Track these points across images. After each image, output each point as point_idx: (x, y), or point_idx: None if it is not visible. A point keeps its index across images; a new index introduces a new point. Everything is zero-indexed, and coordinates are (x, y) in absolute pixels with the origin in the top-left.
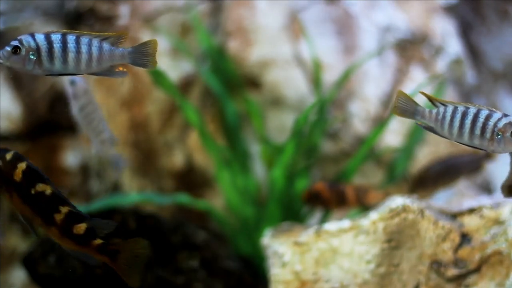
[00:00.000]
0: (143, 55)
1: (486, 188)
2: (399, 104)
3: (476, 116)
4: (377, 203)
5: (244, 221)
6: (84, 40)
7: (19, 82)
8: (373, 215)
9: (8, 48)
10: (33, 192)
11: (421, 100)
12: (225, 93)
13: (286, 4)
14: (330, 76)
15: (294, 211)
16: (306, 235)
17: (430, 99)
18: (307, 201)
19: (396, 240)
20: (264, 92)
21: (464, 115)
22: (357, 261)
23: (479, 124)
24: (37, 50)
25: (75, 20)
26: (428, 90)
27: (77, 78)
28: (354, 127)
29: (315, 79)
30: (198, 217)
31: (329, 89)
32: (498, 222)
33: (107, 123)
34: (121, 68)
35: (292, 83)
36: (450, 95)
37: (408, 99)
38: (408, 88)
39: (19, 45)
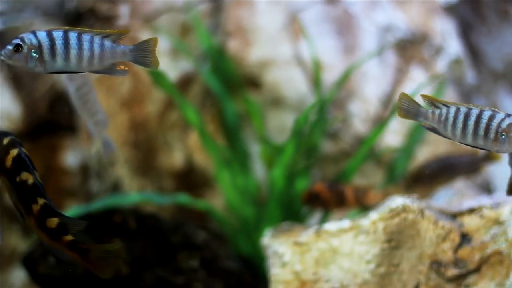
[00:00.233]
0: (144, 52)
1: (486, 188)
2: (403, 106)
3: (479, 116)
4: (376, 204)
5: (244, 221)
6: (86, 37)
7: (19, 82)
8: (373, 215)
9: (10, 46)
10: (18, 179)
11: (421, 100)
12: (225, 93)
13: (286, 4)
14: (330, 76)
15: (294, 211)
16: (306, 235)
17: (432, 100)
18: (307, 202)
19: (396, 240)
20: (264, 92)
21: (467, 116)
22: (357, 261)
23: (483, 124)
24: (39, 47)
25: (75, 20)
26: (428, 90)
27: None
28: (354, 127)
29: (315, 79)
30: (198, 217)
31: (329, 89)
32: (498, 222)
33: (101, 105)
34: (122, 67)
35: (292, 83)
36: (450, 95)
37: (411, 101)
38: (408, 88)
39: (21, 43)
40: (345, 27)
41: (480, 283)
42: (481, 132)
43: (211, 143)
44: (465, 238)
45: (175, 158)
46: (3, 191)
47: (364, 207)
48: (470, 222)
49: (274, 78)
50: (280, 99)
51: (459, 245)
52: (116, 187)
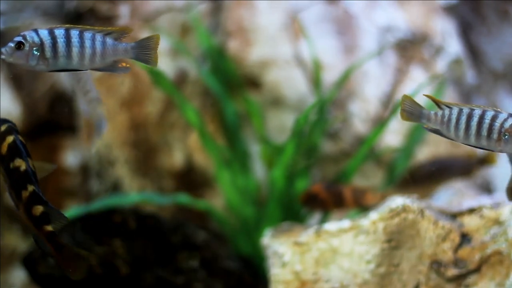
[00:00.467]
0: (146, 49)
1: (486, 188)
2: (406, 108)
3: (481, 117)
4: (374, 204)
5: (244, 221)
6: (87, 35)
7: (19, 82)
8: (373, 215)
9: (12, 44)
10: (11, 166)
11: (421, 100)
12: (225, 93)
13: (286, 4)
14: (330, 76)
15: (294, 211)
16: (306, 235)
17: (435, 101)
18: (305, 203)
19: (396, 240)
20: (264, 92)
21: (470, 116)
22: (357, 261)
23: (485, 125)
24: (41, 45)
25: (75, 20)
26: (428, 90)
27: None
28: (354, 127)
29: (315, 79)
30: (198, 217)
31: (329, 89)
32: (498, 222)
33: (94, 84)
34: (124, 64)
35: (292, 83)
36: (450, 95)
37: (414, 103)
38: (408, 88)
39: (22, 40)
40: (345, 27)
41: (480, 283)
42: (484, 132)
43: (211, 143)
44: (465, 238)
45: (175, 158)
46: (3, 191)
47: (363, 208)
48: (470, 222)
49: (274, 78)
50: (280, 99)
51: (459, 245)
52: (116, 187)
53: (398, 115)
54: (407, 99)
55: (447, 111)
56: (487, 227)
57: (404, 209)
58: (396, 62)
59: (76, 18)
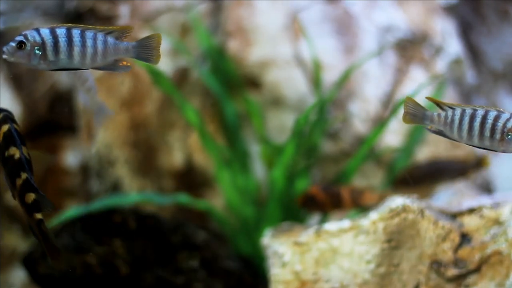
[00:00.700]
0: (147, 48)
1: (486, 188)
2: (409, 110)
3: (484, 117)
4: (373, 205)
5: (244, 221)
6: (89, 34)
7: (19, 82)
8: (373, 215)
9: (13, 43)
10: (6, 154)
11: (421, 101)
12: (225, 93)
13: (286, 4)
14: (330, 76)
15: (294, 211)
16: (306, 235)
17: (437, 103)
18: (303, 206)
19: (396, 240)
20: (264, 92)
21: (473, 117)
22: (357, 261)
23: (488, 125)
24: (42, 44)
25: (75, 20)
26: (428, 90)
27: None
28: (354, 127)
29: (315, 79)
30: (198, 217)
31: (329, 89)
32: (498, 222)
33: (91, 72)
34: (124, 63)
35: (292, 83)
36: (450, 95)
37: (417, 105)
38: (408, 88)
39: (24, 40)
40: (345, 27)
41: (480, 283)
42: (487, 133)
43: (211, 143)
44: (465, 238)
45: (175, 158)
46: (3, 191)
47: (361, 208)
48: (470, 222)
49: (274, 78)
50: (280, 99)
51: (459, 245)
52: (116, 187)
53: (398, 115)
54: (410, 101)
55: (450, 112)
56: (487, 227)
57: (404, 209)
58: (396, 62)
59: (76, 18)
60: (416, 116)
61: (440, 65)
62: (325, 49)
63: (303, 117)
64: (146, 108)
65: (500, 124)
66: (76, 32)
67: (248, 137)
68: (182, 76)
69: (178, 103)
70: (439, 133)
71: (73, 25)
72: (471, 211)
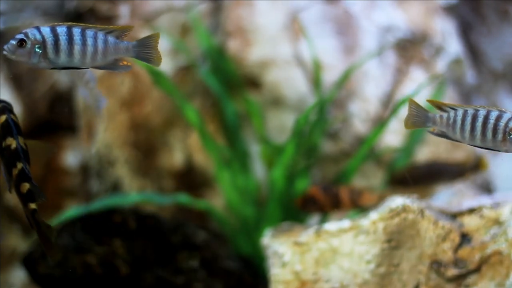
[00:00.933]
0: (147, 48)
1: (486, 188)
2: (412, 113)
3: (486, 118)
4: (371, 205)
5: (244, 221)
6: (89, 33)
7: (19, 82)
8: (373, 215)
9: (14, 41)
10: (3, 145)
11: (420, 100)
12: (225, 93)
13: (286, 4)
14: (330, 76)
15: (294, 211)
16: (306, 235)
17: (439, 104)
18: (302, 207)
19: (396, 240)
20: (264, 92)
21: (475, 117)
22: (357, 261)
23: (490, 125)
24: (43, 43)
25: (75, 20)
26: (428, 90)
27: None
28: (354, 127)
29: (315, 79)
30: (198, 217)
31: (329, 89)
32: (498, 222)
33: None
34: (125, 62)
35: (292, 83)
36: (450, 95)
37: (419, 108)
38: (408, 88)
39: (24, 38)
40: (345, 27)
41: (480, 283)
42: (489, 133)
43: (211, 143)
44: (465, 238)
45: (175, 158)
46: (3, 191)
47: (360, 209)
48: (470, 222)
49: (274, 78)
50: (280, 99)
51: (459, 245)
52: (116, 187)
53: (398, 115)
54: (413, 104)
55: (452, 113)
56: (487, 227)
57: (404, 209)
58: (396, 62)
59: (76, 18)
60: (419, 118)
61: (440, 65)
62: (325, 49)
63: (303, 117)
64: (146, 108)
65: (502, 124)
66: (76, 31)
67: (248, 137)
68: (182, 76)
69: (178, 103)
70: (442, 135)
71: (74, 23)
72: (471, 211)
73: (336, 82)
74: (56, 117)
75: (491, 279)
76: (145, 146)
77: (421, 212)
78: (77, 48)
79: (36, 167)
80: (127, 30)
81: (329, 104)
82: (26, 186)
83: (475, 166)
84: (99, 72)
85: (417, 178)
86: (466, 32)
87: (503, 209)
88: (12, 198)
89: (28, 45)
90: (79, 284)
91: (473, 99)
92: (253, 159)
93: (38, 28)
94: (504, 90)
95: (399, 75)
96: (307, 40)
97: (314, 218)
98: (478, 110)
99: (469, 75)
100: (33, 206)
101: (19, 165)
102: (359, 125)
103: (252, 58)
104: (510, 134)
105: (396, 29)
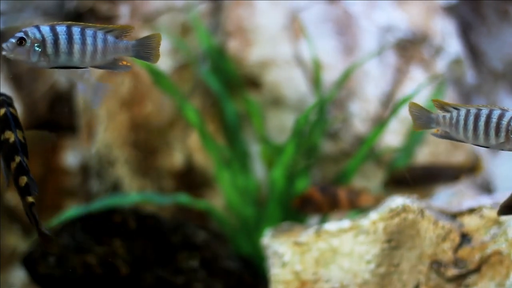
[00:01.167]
0: (146, 48)
1: (486, 188)
2: (414, 115)
3: (489, 117)
4: (369, 206)
5: (244, 221)
6: (89, 32)
7: (19, 82)
8: (373, 215)
9: (13, 40)
10: (2, 138)
11: (420, 101)
12: (225, 93)
13: (286, 4)
14: (330, 76)
15: (294, 211)
16: (306, 235)
17: (442, 104)
18: (300, 208)
19: (396, 240)
20: (264, 92)
21: (477, 117)
22: (357, 261)
23: (493, 124)
24: (43, 41)
25: (75, 20)
26: (428, 90)
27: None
28: (354, 127)
29: (315, 79)
30: (198, 217)
31: (329, 89)
32: (498, 222)
33: None
34: (124, 62)
35: (292, 83)
36: (450, 95)
37: (421, 109)
38: (408, 88)
39: (24, 36)
40: (345, 27)
41: (480, 283)
42: (492, 132)
43: (211, 143)
44: (465, 238)
45: (175, 158)
46: (3, 191)
47: (357, 210)
48: (470, 222)
49: (274, 78)
50: (280, 99)
51: (459, 245)
52: (116, 187)
53: (398, 115)
54: (415, 106)
55: (454, 113)
56: (487, 227)
57: (404, 209)
58: (396, 62)
59: (76, 18)
60: (422, 120)
61: (440, 65)
62: (325, 49)
63: (303, 117)
64: (146, 108)
65: (504, 122)
66: (76, 30)
67: (248, 137)
68: (182, 76)
69: (178, 103)
70: (445, 136)
71: (74, 23)
72: (471, 211)
73: (336, 82)
74: (56, 117)
75: (491, 279)
76: (145, 146)
77: (421, 212)
78: (76, 47)
79: (36, 167)
80: (127, 30)
81: (329, 104)
82: (24, 179)
83: (471, 169)
84: (99, 72)
85: (413, 179)
86: (466, 32)
87: None
88: (12, 198)
89: (28, 43)
90: (79, 284)
91: (473, 99)
92: (253, 159)
93: (37, 27)
94: (504, 90)
95: (399, 75)
96: (307, 40)
97: (314, 218)
98: (481, 109)
99: (469, 75)
100: (30, 199)
101: (17, 159)
102: (359, 125)
103: (252, 58)
104: None
105: (396, 29)
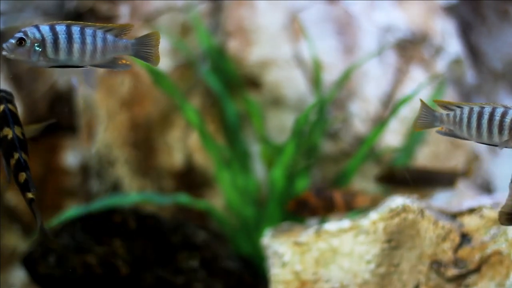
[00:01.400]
0: (146, 46)
1: (486, 188)
2: (422, 114)
3: (492, 114)
4: (365, 207)
5: (244, 221)
6: (88, 31)
7: (19, 82)
8: (373, 215)
9: (13, 40)
10: (1, 135)
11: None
12: (225, 93)
13: (286, 4)
14: (330, 76)
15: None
16: (306, 235)
17: (445, 104)
18: (295, 211)
19: (396, 240)
20: (264, 92)
21: (480, 114)
22: (357, 261)
23: (496, 122)
24: (42, 41)
25: (75, 20)
26: (428, 90)
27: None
28: (354, 127)
29: (315, 79)
30: (198, 217)
31: (329, 89)
32: (498, 222)
33: None
34: (124, 61)
35: (292, 83)
36: (450, 95)
37: (428, 108)
38: (408, 88)
39: (24, 36)
40: (345, 27)
41: (480, 283)
42: (495, 129)
43: (211, 143)
44: (465, 238)
45: (175, 158)
46: (3, 191)
47: (354, 212)
48: (470, 222)
49: (274, 78)
50: (280, 99)
51: (459, 245)
52: (116, 187)
53: (398, 115)
54: (423, 105)
55: (458, 111)
56: (487, 227)
57: (404, 209)
58: (396, 62)
59: (76, 18)
60: (427, 119)
61: (440, 65)
62: (325, 49)
63: (303, 117)
64: (146, 108)
65: (507, 120)
66: (75, 29)
67: (248, 137)
68: (182, 75)
69: (178, 103)
70: (450, 134)
71: (73, 22)
72: (471, 211)
73: (336, 82)
74: (56, 117)
75: (491, 279)
76: (145, 146)
77: (421, 212)
78: (76, 46)
79: (36, 167)
80: (126, 29)
81: (329, 104)
82: (23, 176)
83: (463, 173)
84: (99, 72)
85: (406, 180)
86: (466, 32)
87: None
88: (12, 198)
89: (28, 43)
90: (79, 284)
91: (473, 99)
92: (253, 159)
93: (37, 27)
94: (504, 90)
95: (399, 75)
96: (307, 40)
97: (314, 218)
98: (484, 107)
99: (469, 75)
100: (30, 195)
101: (16, 155)
102: (359, 125)
103: (252, 58)
104: None
105: (396, 29)
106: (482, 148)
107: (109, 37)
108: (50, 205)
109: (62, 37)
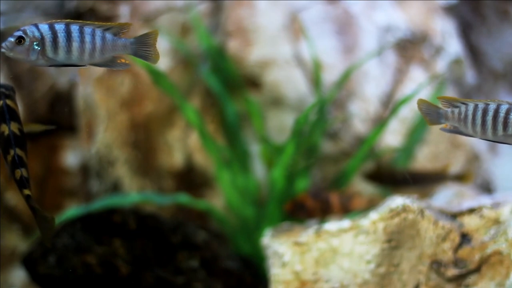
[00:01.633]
0: (144, 45)
1: (486, 188)
2: (423, 112)
3: (496, 111)
4: (362, 209)
5: (244, 221)
6: (87, 30)
7: (19, 82)
8: (373, 215)
9: (12, 39)
10: None
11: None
12: (225, 93)
13: (286, 4)
14: (330, 76)
15: (287, 215)
16: (306, 235)
17: (450, 100)
18: (291, 213)
19: (396, 240)
20: (264, 92)
21: (485, 111)
22: (357, 261)
23: (500, 119)
24: (41, 40)
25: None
26: (428, 90)
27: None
28: (354, 127)
29: (315, 79)
30: (198, 217)
31: (329, 89)
32: (498, 222)
33: None
34: (123, 60)
35: (292, 83)
36: (450, 95)
37: (430, 106)
38: (408, 88)
39: (23, 35)
40: (345, 27)
41: (480, 283)
42: (500, 126)
43: (211, 143)
44: (465, 238)
45: (175, 158)
46: (3, 191)
47: (350, 214)
48: (470, 222)
49: (274, 78)
50: (280, 99)
51: (459, 245)
52: (116, 187)
53: (398, 115)
54: (423, 103)
55: (463, 107)
56: (487, 227)
57: (404, 209)
58: (396, 62)
59: (76, 18)
60: (431, 116)
61: (440, 65)
62: (325, 49)
63: (303, 117)
64: (146, 108)
65: (511, 117)
66: (74, 28)
67: (248, 137)
68: (182, 75)
69: (178, 103)
70: (455, 131)
71: (72, 21)
72: (471, 211)
73: (336, 82)
74: (56, 117)
75: (491, 279)
76: (145, 146)
77: (421, 212)
78: (75, 45)
79: (36, 167)
80: (125, 27)
81: (329, 104)
82: (19, 172)
83: (457, 178)
84: (99, 72)
85: (396, 179)
86: (466, 32)
87: (503, 209)
88: (12, 198)
89: (27, 42)
90: (79, 284)
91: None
92: (253, 159)
93: (36, 25)
94: (504, 90)
95: (399, 75)
96: (307, 40)
97: (314, 218)
98: (489, 104)
99: (469, 75)
100: (26, 192)
101: (12, 152)
102: (359, 125)
103: (252, 58)
104: None
105: (396, 29)
106: (482, 148)
107: (108, 36)
108: (50, 205)
109: (61, 36)
